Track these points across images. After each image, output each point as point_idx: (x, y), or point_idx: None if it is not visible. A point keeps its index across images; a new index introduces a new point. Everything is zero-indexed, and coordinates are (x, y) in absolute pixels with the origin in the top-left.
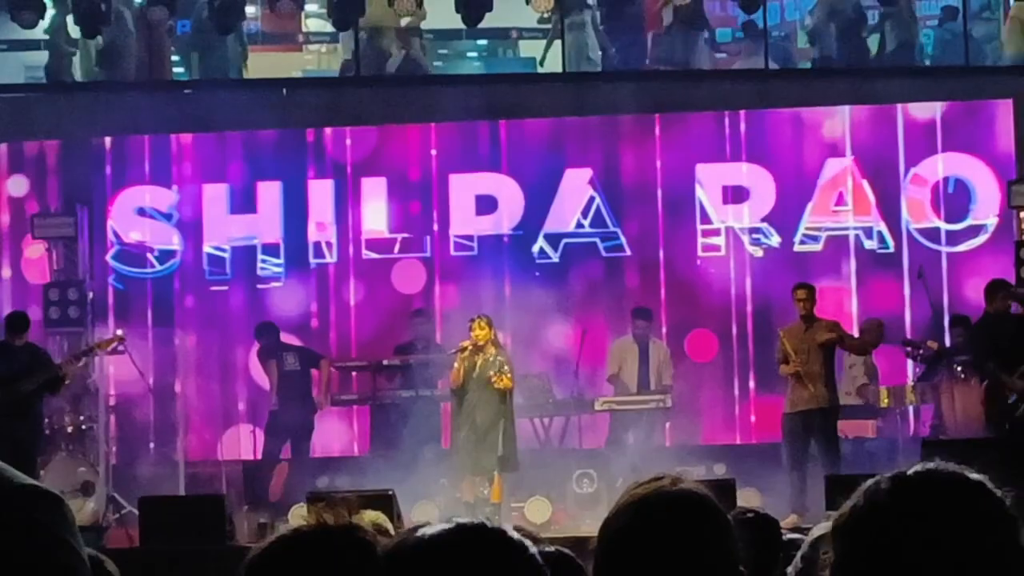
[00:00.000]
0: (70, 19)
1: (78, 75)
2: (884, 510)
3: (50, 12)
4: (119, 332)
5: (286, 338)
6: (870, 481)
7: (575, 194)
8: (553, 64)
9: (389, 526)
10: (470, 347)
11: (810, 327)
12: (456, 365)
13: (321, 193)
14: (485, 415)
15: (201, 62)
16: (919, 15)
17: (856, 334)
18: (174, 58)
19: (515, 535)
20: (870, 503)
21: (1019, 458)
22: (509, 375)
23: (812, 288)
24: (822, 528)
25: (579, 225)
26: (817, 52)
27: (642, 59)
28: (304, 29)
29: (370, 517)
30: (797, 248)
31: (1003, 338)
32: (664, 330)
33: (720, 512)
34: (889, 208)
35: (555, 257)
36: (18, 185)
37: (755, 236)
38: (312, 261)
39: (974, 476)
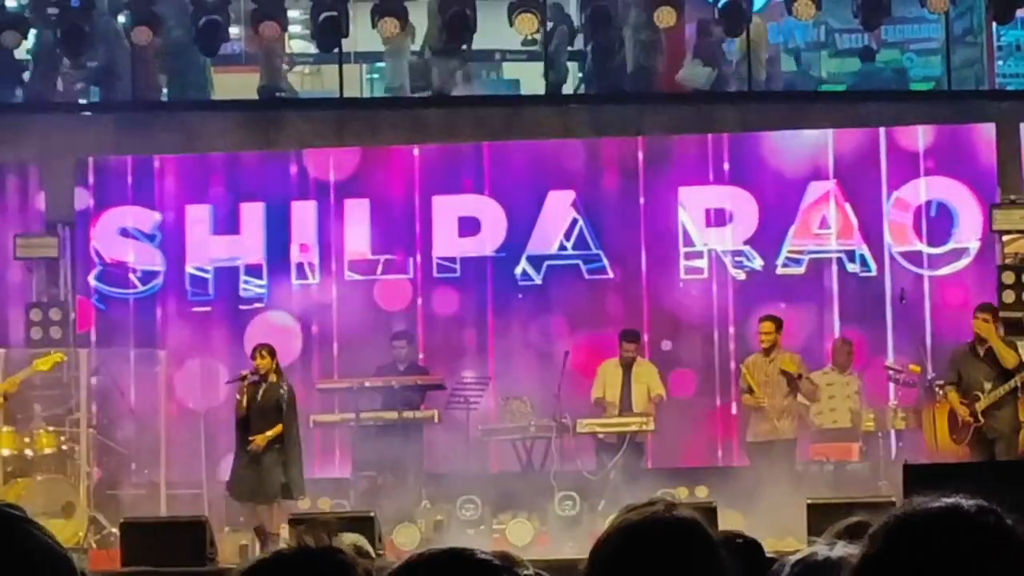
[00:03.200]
0: None
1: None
2: (915, 542)
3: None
4: (60, 352)
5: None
6: (896, 510)
7: (558, 216)
8: (536, 87)
9: (370, 548)
10: (249, 376)
11: (773, 360)
12: (238, 396)
13: (304, 214)
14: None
15: (173, 82)
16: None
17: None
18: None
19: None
20: (902, 534)
21: (1001, 481)
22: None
23: (778, 321)
24: (803, 553)
25: (562, 247)
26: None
27: (624, 81)
28: (288, 50)
29: (350, 540)
30: (780, 271)
31: (966, 362)
32: (646, 352)
33: (712, 540)
34: (871, 231)
35: (538, 279)
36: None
37: (738, 259)
38: (295, 282)
39: (1001, 514)
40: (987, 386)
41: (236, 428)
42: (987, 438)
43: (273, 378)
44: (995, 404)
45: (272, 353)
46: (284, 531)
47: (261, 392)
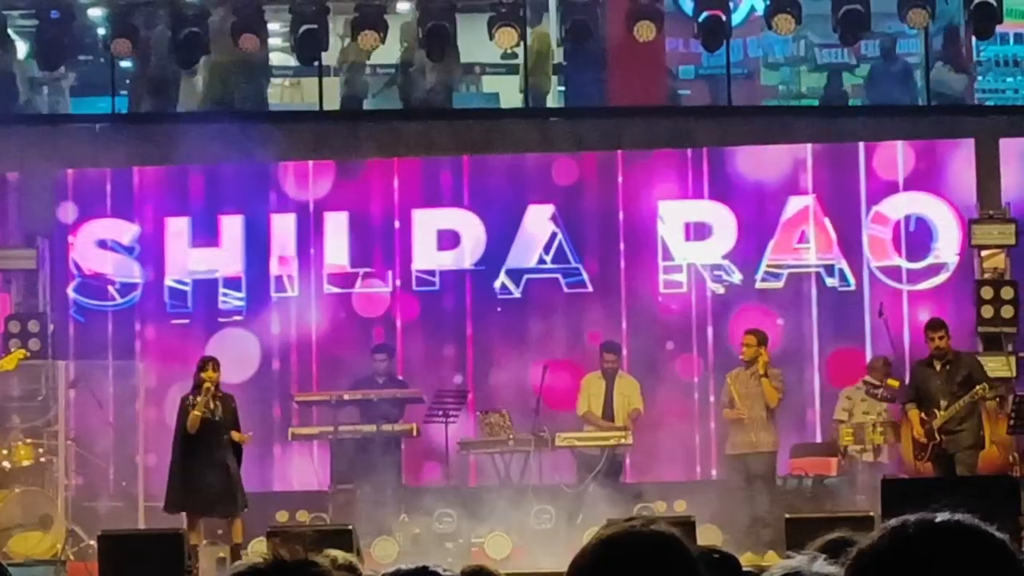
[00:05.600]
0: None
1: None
2: (911, 556)
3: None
4: (21, 349)
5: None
6: (893, 522)
7: (537, 230)
8: (515, 100)
9: (358, 565)
10: (213, 390)
11: (754, 374)
12: (197, 411)
13: (283, 227)
14: (227, 458)
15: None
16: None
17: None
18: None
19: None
20: (896, 547)
21: (978, 496)
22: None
23: (761, 335)
24: (783, 568)
25: (541, 261)
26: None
27: (604, 95)
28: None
29: (340, 556)
30: (759, 285)
31: (924, 378)
32: (625, 366)
33: (690, 555)
34: (851, 246)
35: (517, 293)
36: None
37: (717, 273)
38: (274, 295)
39: (997, 534)
40: (943, 403)
41: (185, 442)
42: (947, 453)
43: (219, 391)
44: (956, 421)
45: (217, 366)
46: (260, 545)
47: (218, 404)
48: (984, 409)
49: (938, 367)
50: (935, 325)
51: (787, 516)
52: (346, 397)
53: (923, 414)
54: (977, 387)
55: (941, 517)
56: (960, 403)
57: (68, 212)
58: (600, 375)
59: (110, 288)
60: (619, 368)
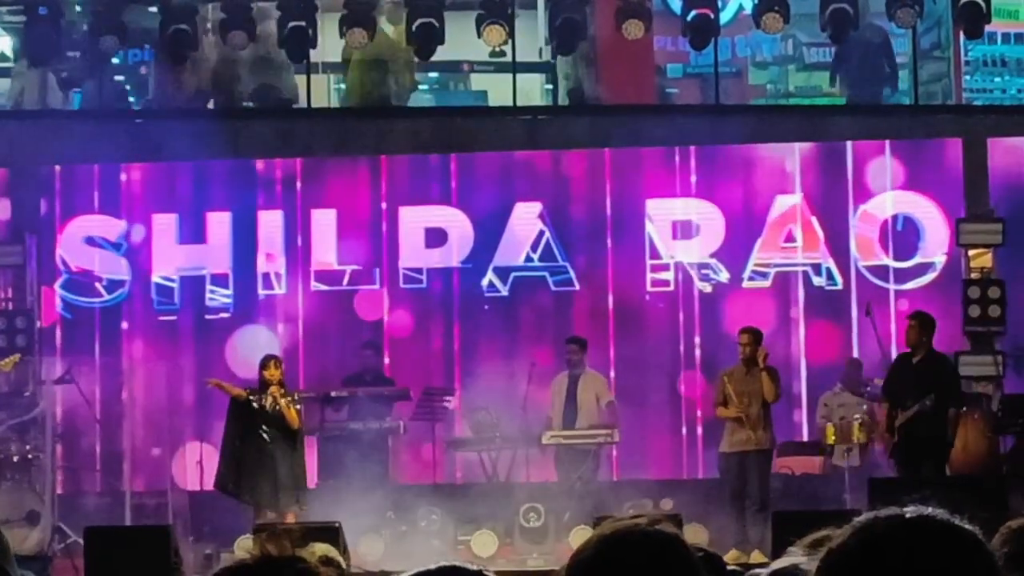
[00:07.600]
0: None
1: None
2: (880, 552)
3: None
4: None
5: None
6: (863, 519)
7: (525, 228)
8: (503, 98)
9: (340, 559)
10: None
11: (751, 371)
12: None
13: (271, 224)
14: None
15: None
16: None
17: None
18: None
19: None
20: (865, 543)
21: (965, 496)
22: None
23: (757, 333)
24: (781, 562)
25: (528, 259)
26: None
27: (593, 93)
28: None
29: (321, 550)
30: (746, 284)
31: (899, 372)
32: (612, 364)
33: (691, 556)
34: (838, 245)
35: (504, 291)
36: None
37: (704, 272)
38: (261, 292)
39: (968, 527)
40: (908, 403)
41: (291, 438)
42: (915, 453)
43: (282, 389)
44: (921, 427)
45: (278, 364)
46: (246, 542)
47: (269, 403)
48: (964, 423)
49: (914, 360)
50: (910, 314)
51: (774, 513)
52: (333, 394)
53: (892, 410)
54: (926, 398)
55: (911, 512)
56: (913, 411)
57: (55, 208)
58: (565, 376)
59: (97, 285)
60: (583, 363)
